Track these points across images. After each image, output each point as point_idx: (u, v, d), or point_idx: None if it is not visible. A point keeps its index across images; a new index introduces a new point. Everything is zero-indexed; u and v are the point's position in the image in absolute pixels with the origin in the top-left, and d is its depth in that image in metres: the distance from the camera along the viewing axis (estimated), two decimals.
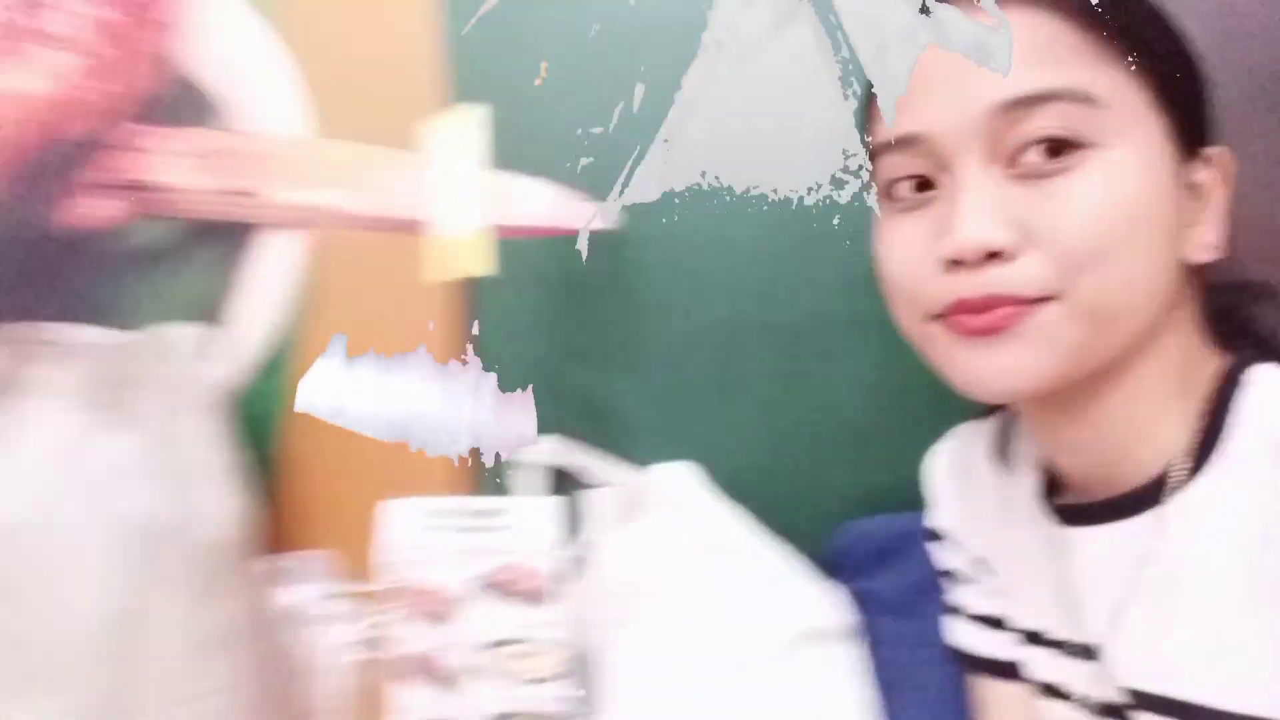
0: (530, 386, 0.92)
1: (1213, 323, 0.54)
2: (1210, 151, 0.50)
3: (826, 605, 0.76)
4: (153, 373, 0.83)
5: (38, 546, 0.76)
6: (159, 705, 0.79)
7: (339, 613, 0.82)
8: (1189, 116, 0.48)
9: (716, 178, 0.84)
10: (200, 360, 0.87)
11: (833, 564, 0.80)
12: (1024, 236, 0.45)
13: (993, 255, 0.45)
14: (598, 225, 0.89)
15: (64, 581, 0.76)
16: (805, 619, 0.74)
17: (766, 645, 0.72)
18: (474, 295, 0.89)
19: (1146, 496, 0.50)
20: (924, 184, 0.50)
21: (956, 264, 0.46)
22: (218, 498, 0.83)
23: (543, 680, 0.71)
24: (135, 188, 1.01)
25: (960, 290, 0.47)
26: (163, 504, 0.78)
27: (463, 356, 0.67)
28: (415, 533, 0.73)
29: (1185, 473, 0.48)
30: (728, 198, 0.84)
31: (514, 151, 0.89)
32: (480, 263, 0.75)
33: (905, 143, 0.49)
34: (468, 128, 0.76)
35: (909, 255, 0.50)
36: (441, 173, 0.78)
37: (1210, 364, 0.51)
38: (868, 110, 0.54)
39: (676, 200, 0.88)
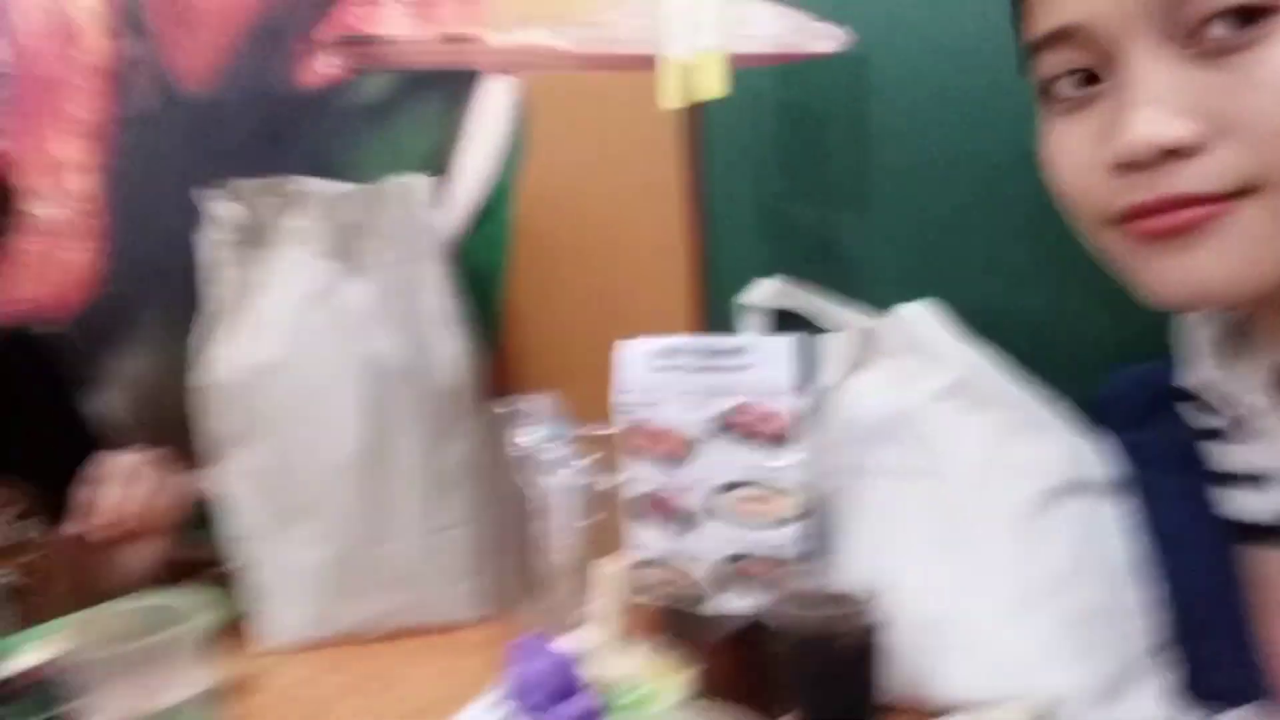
0: (758, 224, 0.87)
1: None
2: None
3: (1087, 456, 0.69)
4: (386, 222, 0.84)
5: (295, 385, 0.80)
6: (403, 535, 0.83)
7: (571, 453, 0.83)
8: None
9: None
10: (429, 209, 0.88)
11: (1102, 412, 0.72)
12: (1211, 126, 0.39)
13: (1172, 152, 0.39)
14: (828, 48, 0.81)
15: (319, 417, 0.80)
16: (1061, 470, 0.68)
17: (1017, 497, 0.66)
18: (701, 130, 0.84)
19: None
20: (1090, 78, 0.43)
21: (1129, 167, 0.41)
22: (448, 343, 0.85)
23: (777, 524, 0.69)
24: (362, 43, 1.02)
25: (1135, 194, 0.41)
26: (399, 348, 0.81)
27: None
28: (649, 373, 0.72)
29: None
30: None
31: None
32: (718, 84, 0.70)
33: (1061, 35, 0.43)
34: None
35: (1077, 162, 0.44)
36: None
37: None
38: (1019, 2, 0.47)
39: (915, 18, 0.78)
